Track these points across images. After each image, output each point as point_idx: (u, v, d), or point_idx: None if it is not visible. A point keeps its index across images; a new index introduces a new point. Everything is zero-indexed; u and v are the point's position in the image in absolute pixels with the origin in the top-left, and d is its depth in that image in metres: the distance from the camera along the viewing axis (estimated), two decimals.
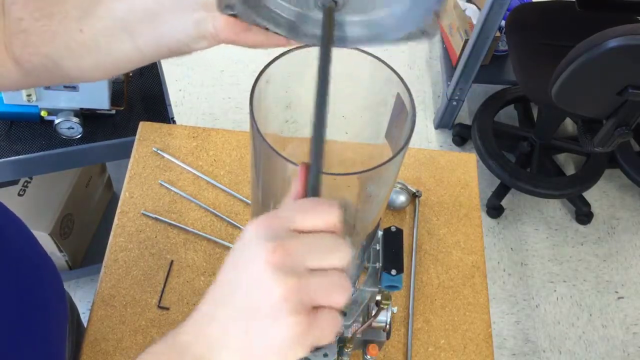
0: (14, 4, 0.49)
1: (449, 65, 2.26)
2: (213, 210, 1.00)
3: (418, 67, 2.51)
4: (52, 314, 0.72)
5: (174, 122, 1.29)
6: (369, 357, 0.83)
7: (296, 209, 0.37)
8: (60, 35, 0.49)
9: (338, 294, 0.37)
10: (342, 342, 0.74)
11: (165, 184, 1.03)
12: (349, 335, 0.73)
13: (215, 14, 0.44)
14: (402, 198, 1.03)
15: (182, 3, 0.45)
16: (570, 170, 2.28)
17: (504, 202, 2.13)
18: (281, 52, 0.47)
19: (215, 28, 0.45)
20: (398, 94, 0.46)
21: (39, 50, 0.50)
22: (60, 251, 1.54)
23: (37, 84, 0.56)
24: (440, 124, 2.32)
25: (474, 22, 2.11)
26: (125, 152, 1.12)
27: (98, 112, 1.21)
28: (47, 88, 1.11)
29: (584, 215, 2.14)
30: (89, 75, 0.52)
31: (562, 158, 2.31)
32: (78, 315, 0.97)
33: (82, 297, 1.75)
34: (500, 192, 2.11)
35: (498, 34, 2.12)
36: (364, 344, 0.82)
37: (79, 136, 1.21)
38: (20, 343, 0.62)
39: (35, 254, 0.72)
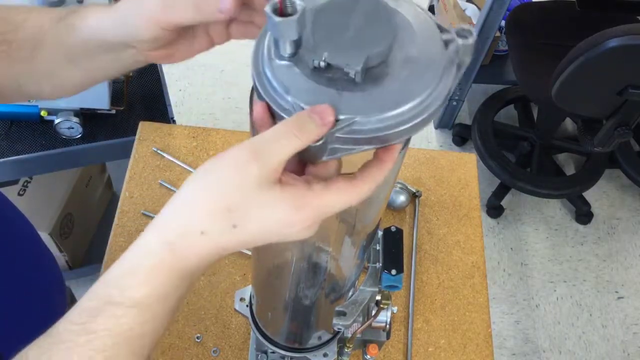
0: None
1: None
2: None
3: None
4: (50, 301, 0.73)
5: (174, 122, 1.29)
6: (369, 357, 0.83)
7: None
8: (17, 62, 0.53)
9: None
10: (342, 342, 0.74)
11: (165, 184, 1.03)
12: (349, 335, 0.73)
13: (144, 47, 0.48)
14: (402, 198, 1.03)
15: (116, 45, 0.50)
16: (570, 170, 2.28)
17: (504, 202, 2.13)
18: None
19: (147, 58, 0.51)
20: None
21: (3, 72, 0.53)
22: (60, 251, 1.54)
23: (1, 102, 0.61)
24: (440, 124, 2.32)
25: (474, 22, 2.11)
26: (125, 152, 1.12)
27: (98, 112, 1.21)
28: None
29: (584, 215, 2.14)
30: (49, 96, 0.58)
31: (562, 158, 2.31)
32: None
33: (82, 297, 1.75)
34: (500, 192, 2.11)
35: (498, 34, 2.12)
36: (364, 344, 0.83)
37: (79, 136, 1.21)
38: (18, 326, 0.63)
39: (35, 242, 0.73)
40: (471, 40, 0.37)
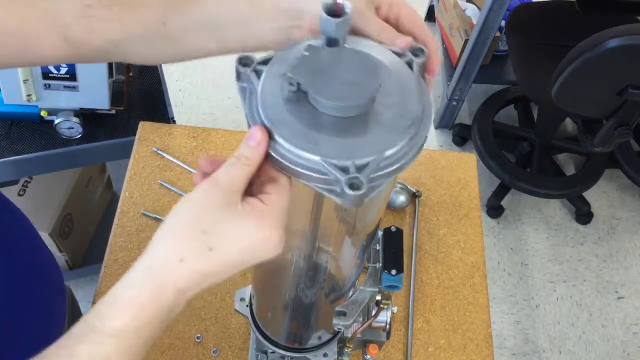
0: None
1: (449, 65, 2.26)
2: None
3: None
4: (49, 300, 0.73)
5: (174, 122, 1.29)
6: (369, 357, 0.83)
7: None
8: (135, 25, 0.49)
9: None
10: (342, 342, 0.74)
11: (165, 184, 1.03)
12: (349, 335, 0.73)
13: (301, 22, 0.47)
14: (402, 198, 1.03)
15: (270, 13, 0.48)
16: (570, 170, 2.28)
17: (504, 202, 2.13)
18: None
19: (302, 35, 0.47)
20: None
21: (104, 35, 0.49)
22: (60, 251, 1.54)
23: (83, 62, 0.60)
24: (440, 124, 2.32)
25: (474, 22, 2.11)
26: (125, 152, 1.12)
27: (98, 112, 1.21)
28: (47, 88, 1.11)
29: (584, 215, 2.14)
30: (153, 61, 0.56)
31: (562, 158, 2.31)
32: (79, 313, 0.97)
33: (82, 297, 1.74)
34: (500, 192, 2.11)
35: (498, 34, 2.11)
36: (364, 344, 0.83)
37: (79, 136, 1.21)
38: (16, 327, 0.63)
39: (35, 241, 0.73)
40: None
